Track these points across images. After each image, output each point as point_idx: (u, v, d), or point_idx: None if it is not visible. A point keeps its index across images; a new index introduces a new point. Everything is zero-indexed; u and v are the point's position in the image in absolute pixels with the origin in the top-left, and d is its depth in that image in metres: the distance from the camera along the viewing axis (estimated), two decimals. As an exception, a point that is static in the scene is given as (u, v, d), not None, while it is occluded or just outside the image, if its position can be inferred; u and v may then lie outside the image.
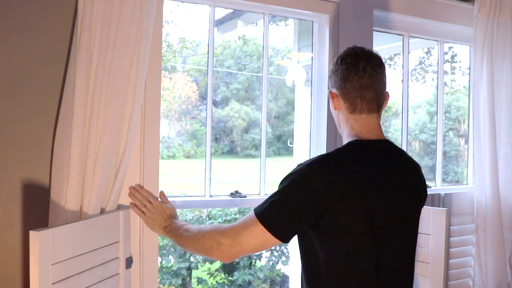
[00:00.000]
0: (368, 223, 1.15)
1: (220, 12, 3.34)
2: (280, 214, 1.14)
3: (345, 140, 1.28)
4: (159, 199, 1.50)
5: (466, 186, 2.44)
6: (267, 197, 1.18)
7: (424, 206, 1.78)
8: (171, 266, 4.61)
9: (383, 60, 1.29)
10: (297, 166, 1.18)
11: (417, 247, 1.69)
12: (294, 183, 1.15)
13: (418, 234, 1.70)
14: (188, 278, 4.76)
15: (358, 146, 1.22)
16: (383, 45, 3.11)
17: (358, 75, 1.23)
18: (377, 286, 1.17)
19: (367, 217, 1.15)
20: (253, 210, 1.18)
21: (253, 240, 1.16)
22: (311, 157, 1.21)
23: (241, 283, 4.69)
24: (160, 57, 1.54)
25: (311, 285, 1.21)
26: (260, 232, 1.14)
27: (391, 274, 1.20)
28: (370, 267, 1.16)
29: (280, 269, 5.04)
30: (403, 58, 2.24)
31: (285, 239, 1.16)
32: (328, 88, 1.34)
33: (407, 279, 1.27)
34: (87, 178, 1.30)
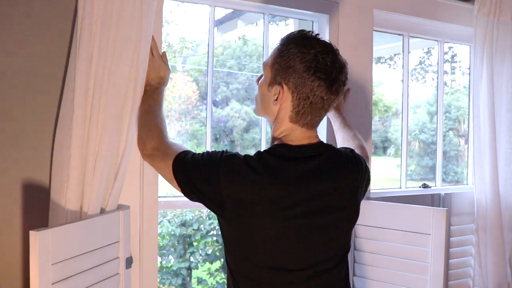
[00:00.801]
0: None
1: (220, 12, 3.34)
2: (189, 178, 1.14)
3: (272, 138, 1.19)
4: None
5: (466, 186, 2.44)
6: (200, 153, 1.17)
7: (424, 206, 1.79)
8: (171, 266, 4.61)
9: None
10: (234, 154, 1.12)
11: (416, 247, 1.70)
12: (208, 167, 1.11)
13: (417, 234, 1.70)
14: (188, 278, 4.76)
15: (278, 154, 1.11)
16: (383, 45, 3.11)
17: (331, 93, 1.10)
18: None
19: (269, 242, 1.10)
20: (180, 151, 1.19)
21: (160, 169, 1.22)
22: (233, 155, 1.12)
23: (241, 283, 4.68)
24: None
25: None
26: (169, 170, 1.17)
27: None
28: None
29: (280, 269, 5.03)
30: (403, 58, 2.24)
31: (185, 195, 1.17)
32: (274, 74, 1.14)
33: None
34: (87, 178, 1.30)
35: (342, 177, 1.18)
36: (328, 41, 1.14)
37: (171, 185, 1.21)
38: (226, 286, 1.23)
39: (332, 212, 1.15)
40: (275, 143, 1.17)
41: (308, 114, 1.12)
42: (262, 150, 1.16)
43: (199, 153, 1.17)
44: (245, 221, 1.09)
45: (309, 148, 1.15)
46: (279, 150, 1.12)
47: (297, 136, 1.15)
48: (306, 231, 1.11)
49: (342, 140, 1.60)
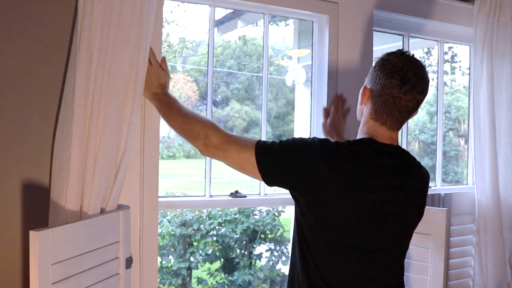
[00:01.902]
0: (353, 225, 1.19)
1: (220, 12, 3.34)
2: (275, 164, 1.20)
3: (360, 133, 1.30)
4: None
5: (466, 186, 2.44)
6: (285, 140, 1.24)
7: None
8: (171, 266, 4.61)
9: (429, 84, 1.25)
10: (313, 138, 1.24)
11: (416, 247, 1.70)
12: (302, 150, 1.19)
13: (417, 234, 1.70)
14: (188, 278, 4.76)
15: (369, 146, 1.23)
16: (383, 45, 3.11)
17: (398, 95, 1.20)
18: None
19: (354, 219, 1.18)
20: (256, 140, 1.24)
21: (237, 157, 1.24)
22: (327, 140, 1.23)
23: (241, 283, 4.69)
24: (160, 57, 1.54)
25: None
26: (248, 157, 1.21)
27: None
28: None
29: (280, 269, 5.04)
30: (403, 58, 2.24)
31: (267, 181, 1.23)
32: (366, 82, 1.30)
33: None
34: (87, 178, 1.30)
35: (417, 179, 1.30)
36: (418, 59, 1.24)
37: (246, 174, 1.26)
38: (291, 271, 1.29)
39: (406, 207, 1.27)
40: (362, 136, 1.27)
41: (383, 112, 1.23)
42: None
43: (283, 140, 1.23)
44: (334, 200, 1.16)
45: (392, 147, 1.25)
46: (366, 142, 1.23)
47: (381, 134, 1.25)
48: (382, 217, 1.21)
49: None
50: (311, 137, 1.24)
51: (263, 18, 1.86)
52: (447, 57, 9.02)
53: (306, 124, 2.03)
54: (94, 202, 1.31)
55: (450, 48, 8.62)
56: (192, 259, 4.74)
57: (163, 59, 1.48)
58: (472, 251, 2.25)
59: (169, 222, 4.72)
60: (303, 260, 1.22)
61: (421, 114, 10.09)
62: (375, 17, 2.00)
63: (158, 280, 4.21)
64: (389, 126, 1.24)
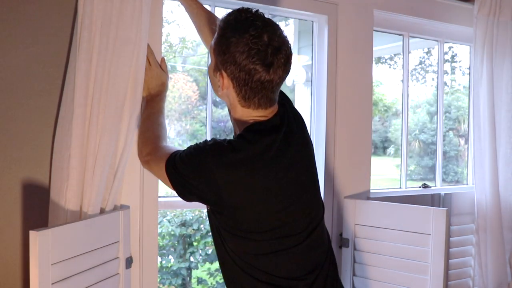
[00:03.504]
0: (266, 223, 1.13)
1: (220, 12, 3.34)
2: (181, 178, 1.12)
3: (238, 123, 1.17)
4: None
5: (466, 186, 2.44)
6: (187, 148, 1.14)
7: (424, 206, 1.79)
8: (171, 266, 4.61)
9: (290, 46, 1.11)
10: (217, 141, 1.12)
11: (416, 247, 1.70)
12: (196, 161, 1.10)
13: (417, 234, 1.70)
14: (188, 278, 4.76)
15: (257, 132, 1.12)
16: (383, 45, 3.11)
17: (267, 78, 1.07)
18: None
19: (265, 220, 1.12)
20: (172, 151, 1.16)
21: (156, 172, 1.21)
22: (217, 144, 1.11)
23: (241, 283, 4.68)
24: (160, 57, 1.54)
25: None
26: (163, 170, 1.14)
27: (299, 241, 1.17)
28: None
29: (280, 269, 5.03)
30: (403, 58, 2.24)
31: (182, 197, 1.15)
32: (216, 65, 1.13)
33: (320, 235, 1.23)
34: (87, 178, 1.30)
35: (302, 129, 1.24)
36: (266, 19, 1.09)
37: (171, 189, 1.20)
38: (225, 273, 1.23)
39: (308, 166, 1.21)
40: (244, 126, 1.15)
41: (254, 97, 1.10)
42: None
43: (183, 154, 1.13)
44: (244, 204, 1.09)
45: (271, 121, 1.15)
46: (254, 128, 1.13)
47: (258, 116, 1.15)
48: (296, 194, 1.15)
49: (202, 24, 1.46)
50: (204, 140, 1.14)
51: (263, 18, 1.85)
52: (447, 57, 9.02)
53: (306, 124, 2.02)
54: (94, 202, 1.31)
55: (450, 48, 8.62)
56: (192, 259, 4.73)
57: (162, 59, 1.48)
58: (472, 251, 2.25)
59: (169, 222, 4.72)
60: (231, 262, 1.17)
61: (421, 114, 10.08)
62: (375, 17, 2.00)
63: (158, 280, 4.21)
64: (264, 106, 1.13)
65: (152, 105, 1.39)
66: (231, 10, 1.12)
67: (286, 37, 1.10)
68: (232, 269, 1.18)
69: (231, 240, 1.15)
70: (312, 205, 1.21)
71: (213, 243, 1.24)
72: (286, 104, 1.24)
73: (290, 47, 1.11)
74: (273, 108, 1.16)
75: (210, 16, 1.47)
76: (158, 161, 1.17)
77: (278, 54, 1.06)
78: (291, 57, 1.11)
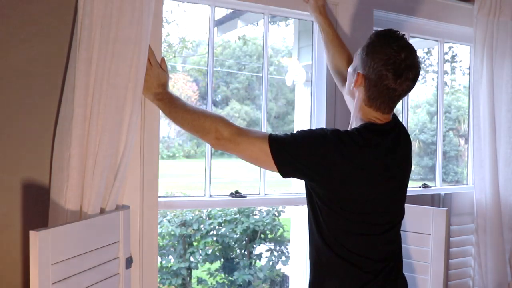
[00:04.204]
0: (365, 207, 1.29)
1: (220, 12, 3.34)
2: (291, 156, 1.25)
3: (357, 117, 1.36)
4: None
5: (466, 186, 2.44)
6: (296, 132, 1.29)
7: (424, 206, 1.79)
8: (171, 266, 4.61)
9: (420, 68, 1.32)
10: (321, 128, 1.31)
11: (416, 247, 1.70)
12: (315, 141, 1.25)
13: (417, 234, 1.71)
14: (188, 278, 4.76)
15: (371, 131, 1.30)
16: (383, 45, 3.10)
17: (393, 87, 1.27)
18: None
19: (364, 203, 1.29)
20: (267, 133, 1.29)
21: (250, 150, 1.28)
22: (337, 130, 1.30)
23: (241, 283, 4.69)
24: (160, 57, 1.54)
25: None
26: (262, 149, 1.26)
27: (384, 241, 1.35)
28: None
29: (280, 269, 5.04)
30: (403, 58, 2.24)
31: (283, 173, 1.28)
32: (356, 66, 1.35)
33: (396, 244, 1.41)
34: (87, 178, 1.30)
35: (408, 147, 1.42)
36: (408, 43, 1.29)
37: (260, 166, 1.33)
38: (310, 258, 1.38)
39: (405, 172, 1.40)
40: (361, 123, 1.34)
41: (377, 99, 1.30)
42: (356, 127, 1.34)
43: (294, 133, 1.29)
44: (350, 187, 1.25)
45: (388, 124, 1.35)
46: (369, 127, 1.31)
47: (377, 119, 1.33)
48: (390, 191, 1.34)
49: (334, 52, 1.75)
50: (320, 128, 1.32)
51: (263, 18, 1.86)
52: (447, 57, 9.03)
53: (306, 124, 2.03)
54: (94, 202, 1.31)
55: (450, 48, 8.62)
56: (192, 259, 4.74)
57: (163, 59, 1.48)
58: (472, 251, 2.26)
59: (169, 222, 4.72)
60: (323, 241, 1.30)
61: (421, 114, 10.08)
62: (375, 17, 2.00)
63: (158, 280, 4.21)
64: (383, 111, 1.32)
65: (174, 97, 1.41)
66: (384, 29, 1.34)
67: (419, 62, 1.30)
68: (317, 242, 1.33)
69: (327, 214, 1.29)
70: (400, 205, 1.40)
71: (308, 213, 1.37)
72: (399, 123, 1.42)
73: (419, 70, 1.30)
74: (388, 116, 1.34)
75: (343, 44, 1.75)
76: (255, 141, 1.28)
77: (409, 71, 1.26)
78: (417, 78, 1.30)
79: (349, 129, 1.37)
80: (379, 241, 1.33)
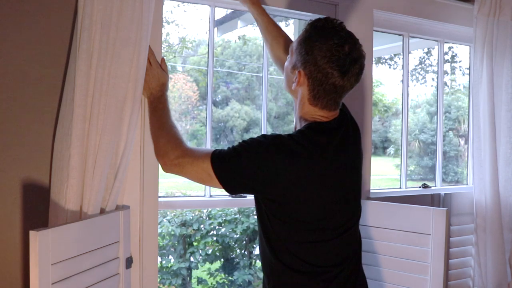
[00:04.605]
0: (319, 211, 1.22)
1: (220, 12, 3.34)
2: (233, 171, 1.19)
3: (302, 118, 1.28)
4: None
5: (466, 186, 2.44)
6: (238, 145, 1.22)
7: (424, 206, 1.79)
8: (171, 266, 4.61)
9: (365, 56, 1.24)
10: (263, 136, 1.21)
11: (416, 247, 1.70)
12: (257, 153, 1.17)
13: (417, 234, 1.71)
14: (188, 278, 4.76)
15: (316, 131, 1.22)
16: (383, 45, 3.11)
17: (340, 84, 1.20)
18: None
19: (319, 206, 1.22)
20: (211, 151, 1.22)
21: (194, 171, 1.23)
22: (278, 135, 1.21)
23: (241, 283, 4.69)
24: (160, 57, 1.54)
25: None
26: (205, 169, 1.20)
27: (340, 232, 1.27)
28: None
29: (280, 269, 5.03)
30: (403, 58, 2.24)
31: (228, 189, 1.21)
32: (295, 60, 1.25)
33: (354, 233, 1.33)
34: (87, 178, 1.30)
35: (357, 138, 1.34)
36: (349, 32, 1.22)
37: (207, 185, 1.28)
38: (264, 268, 1.31)
39: (357, 163, 1.32)
40: (305, 123, 1.26)
41: (323, 98, 1.22)
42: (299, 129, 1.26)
43: (236, 146, 1.21)
44: (298, 196, 1.18)
45: (334, 121, 1.27)
46: (314, 127, 1.23)
47: (323, 117, 1.25)
48: (343, 192, 1.27)
49: (272, 41, 1.62)
50: (262, 135, 1.22)
51: (263, 18, 1.85)
52: (447, 57, 9.03)
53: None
54: (94, 202, 1.31)
55: (450, 48, 8.63)
56: (192, 259, 4.73)
57: (163, 59, 1.48)
58: (472, 251, 2.26)
59: (169, 222, 4.72)
60: (274, 252, 1.24)
61: (421, 114, 10.09)
62: (375, 17, 2.00)
63: (158, 280, 4.21)
64: (330, 108, 1.25)
65: (160, 107, 1.40)
66: (319, 18, 1.26)
67: (363, 51, 1.23)
68: (267, 256, 1.26)
69: (277, 226, 1.22)
70: (354, 205, 1.32)
71: (258, 228, 1.31)
72: (347, 113, 1.36)
73: (364, 61, 1.23)
74: (335, 112, 1.27)
75: (280, 31, 1.62)
76: (197, 161, 1.22)
77: (355, 64, 1.19)
78: (363, 70, 1.23)
79: (294, 131, 1.29)
80: (335, 245, 1.25)
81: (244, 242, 5.03)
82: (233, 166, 1.18)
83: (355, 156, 1.31)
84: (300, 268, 1.22)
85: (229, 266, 4.96)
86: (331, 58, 1.17)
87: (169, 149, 1.28)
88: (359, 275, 1.33)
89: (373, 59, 2.02)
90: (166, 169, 1.29)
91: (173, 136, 1.31)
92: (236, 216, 4.89)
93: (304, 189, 1.18)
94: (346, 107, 1.40)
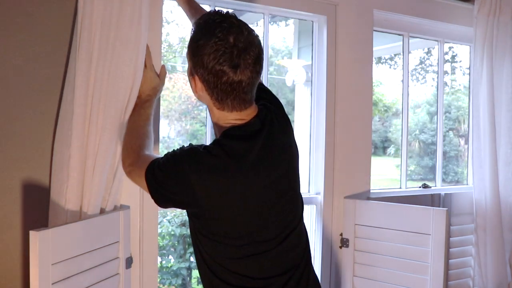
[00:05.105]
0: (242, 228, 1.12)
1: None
2: (159, 185, 1.10)
3: (216, 127, 1.17)
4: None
5: (466, 186, 2.44)
6: (166, 153, 1.13)
7: (424, 206, 1.79)
8: (171, 266, 4.61)
9: (260, 45, 1.09)
10: (193, 146, 1.11)
11: (416, 247, 1.70)
12: (171, 166, 1.09)
13: (417, 234, 1.70)
14: (188, 278, 4.75)
15: (234, 137, 1.10)
16: (383, 45, 3.11)
17: (235, 79, 1.04)
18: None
19: (242, 224, 1.11)
20: (153, 159, 1.14)
21: (138, 182, 1.17)
22: (193, 148, 1.10)
23: (241, 283, 4.68)
24: (160, 57, 1.54)
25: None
26: (142, 178, 1.12)
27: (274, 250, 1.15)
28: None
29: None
30: (403, 58, 2.24)
31: (159, 205, 1.14)
32: (190, 69, 1.12)
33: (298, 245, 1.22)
34: (86, 178, 1.30)
35: (286, 133, 1.20)
36: (233, 21, 1.07)
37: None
38: (200, 277, 1.21)
39: (287, 168, 1.18)
40: (222, 131, 1.14)
41: (226, 99, 1.08)
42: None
43: (162, 159, 1.12)
44: (221, 207, 1.08)
45: (251, 125, 1.13)
46: (230, 133, 1.11)
47: (235, 119, 1.13)
48: (275, 197, 1.14)
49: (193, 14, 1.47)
50: (181, 146, 1.12)
51: (263, 18, 1.86)
52: (447, 57, 9.02)
53: (306, 124, 2.03)
54: (94, 202, 1.31)
55: (450, 48, 8.62)
56: (192, 259, 4.73)
57: (163, 66, 1.46)
58: (472, 251, 2.25)
59: (169, 222, 4.72)
60: (211, 270, 1.16)
61: (421, 114, 10.08)
62: (375, 17, 2.00)
63: (158, 280, 4.21)
64: (239, 108, 1.10)
65: (140, 111, 1.36)
66: (206, 12, 1.12)
67: (255, 37, 1.08)
68: (206, 273, 1.17)
69: (206, 244, 1.13)
70: (289, 210, 1.19)
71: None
72: (271, 105, 1.21)
73: (259, 47, 1.08)
74: (250, 111, 1.13)
75: (200, 11, 1.47)
76: (139, 170, 1.15)
77: (245, 55, 1.04)
78: (260, 57, 1.08)
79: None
80: (277, 255, 1.15)
81: (244, 242, 5.03)
82: (157, 179, 1.10)
83: (285, 154, 1.18)
84: (243, 284, 1.13)
85: (229, 266, 4.96)
86: (216, 55, 1.03)
87: (127, 155, 1.25)
88: (310, 277, 1.23)
89: (373, 59, 2.02)
90: (127, 176, 1.25)
91: (136, 142, 1.26)
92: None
93: (224, 204, 1.08)
94: (273, 96, 1.27)
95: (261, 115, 1.15)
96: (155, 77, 1.42)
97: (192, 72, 1.10)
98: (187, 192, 1.06)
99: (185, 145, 1.13)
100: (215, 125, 1.17)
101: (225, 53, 1.03)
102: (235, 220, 1.10)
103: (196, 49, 1.06)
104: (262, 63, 1.10)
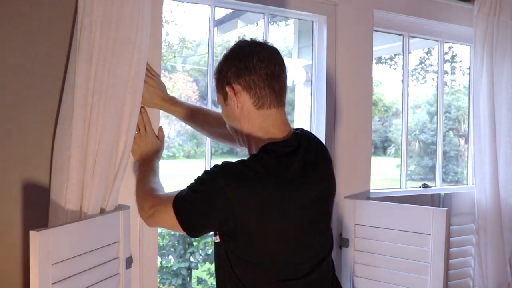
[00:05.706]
0: (282, 242, 1.11)
1: (220, 12, 3.34)
2: (192, 210, 1.11)
3: (253, 142, 1.17)
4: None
5: (466, 186, 2.44)
6: (194, 181, 1.13)
7: (424, 206, 1.79)
8: (171, 266, 4.61)
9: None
10: (214, 169, 1.11)
11: (416, 247, 1.70)
12: (209, 185, 1.08)
13: (417, 234, 1.70)
14: (188, 278, 4.76)
15: (273, 152, 1.11)
16: (383, 45, 3.11)
17: (265, 63, 1.13)
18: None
19: (280, 239, 1.10)
20: (177, 193, 1.14)
21: (164, 220, 1.17)
22: (229, 163, 1.10)
23: (241, 283, 4.69)
24: (160, 57, 1.54)
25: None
26: (171, 214, 1.12)
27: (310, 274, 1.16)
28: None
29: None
30: (403, 58, 2.24)
31: (190, 233, 1.14)
32: (221, 87, 1.19)
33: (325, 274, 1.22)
34: (86, 178, 1.30)
35: (325, 162, 1.24)
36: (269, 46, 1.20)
37: (177, 231, 1.20)
38: None
39: (325, 196, 1.20)
40: (259, 144, 1.15)
41: (263, 89, 1.14)
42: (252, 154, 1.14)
43: (192, 183, 1.12)
44: (260, 232, 1.08)
45: (290, 141, 1.16)
46: (269, 150, 1.12)
47: (274, 124, 1.16)
48: (310, 223, 1.15)
49: (213, 118, 1.50)
50: (214, 165, 1.12)
51: (263, 18, 1.86)
52: (447, 57, 9.02)
53: (306, 124, 2.03)
54: (94, 202, 1.31)
55: (450, 48, 8.62)
56: (192, 259, 4.74)
57: (160, 128, 1.50)
58: (472, 251, 2.26)
59: (169, 222, 4.73)
60: None
61: (421, 114, 10.08)
62: (375, 17, 2.00)
63: (158, 280, 4.21)
64: (276, 102, 1.15)
65: (146, 168, 1.39)
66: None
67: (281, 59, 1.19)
68: None
69: (240, 267, 1.12)
70: (324, 235, 1.20)
71: (215, 273, 1.22)
72: (309, 133, 1.27)
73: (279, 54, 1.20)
74: (286, 122, 1.18)
75: (209, 111, 1.54)
76: (164, 207, 1.15)
77: (271, 49, 1.18)
78: (282, 58, 1.19)
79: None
80: (305, 284, 1.14)
81: (244, 242, 5.03)
82: (191, 205, 1.10)
83: (326, 180, 1.21)
84: None
85: (229, 266, 4.96)
86: (249, 51, 1.15)
87: (143, 202, 1.24)
88: None
89: (373, 59, 2.02)
90: (148, 225, 1.25)
91: (148, 189, 1.27)
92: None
93: (264, 218, 1.07)
94: (306, 132, 1.30)
95: (298, 135, 1.19)
96: (156, 141, 1.46)
97: (223, 87, 1.17)
98: (223, 207, 1.05)
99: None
100: (250, 138, 1.18)
101: (250, 53, 1.14)
102: (271, 237, 1.09)
103: (225, 63, 1.16)
104: (284, 67, 1.19)
